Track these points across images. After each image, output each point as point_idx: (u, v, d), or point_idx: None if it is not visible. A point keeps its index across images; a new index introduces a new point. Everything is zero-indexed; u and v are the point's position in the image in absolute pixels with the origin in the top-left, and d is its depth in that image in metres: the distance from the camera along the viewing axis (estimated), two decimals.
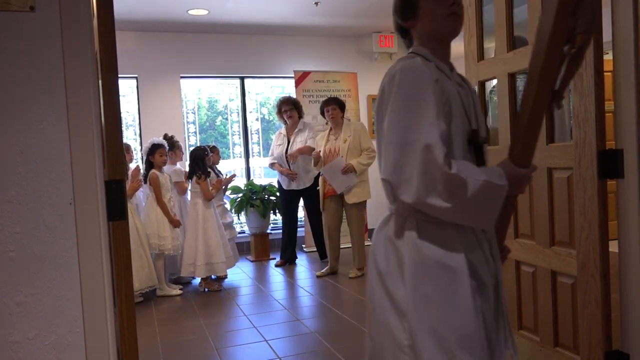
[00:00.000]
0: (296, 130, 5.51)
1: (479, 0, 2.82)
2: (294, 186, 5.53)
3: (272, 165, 5.70)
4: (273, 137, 5.91)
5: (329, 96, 5.41)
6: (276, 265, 5.70)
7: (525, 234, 2.58)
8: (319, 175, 5.32)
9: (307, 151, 5.30)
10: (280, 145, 5.61)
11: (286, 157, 5.47)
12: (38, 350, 1.51)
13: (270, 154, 5.74)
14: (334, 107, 5.01)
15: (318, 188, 5.17)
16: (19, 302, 1.49)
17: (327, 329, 3.57)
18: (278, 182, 5.76)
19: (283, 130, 5.65)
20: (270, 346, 3.27)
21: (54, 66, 1.50)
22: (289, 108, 5.48)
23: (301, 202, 5.74)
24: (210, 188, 4.83)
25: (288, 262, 5.78)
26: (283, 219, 5.87)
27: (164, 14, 5.74)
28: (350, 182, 4.84)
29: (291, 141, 5.50)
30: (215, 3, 5.46)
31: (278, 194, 5.93)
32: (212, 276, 4.97)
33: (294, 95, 6.34)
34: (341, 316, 3.80)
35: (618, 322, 2.15)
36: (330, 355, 3.09)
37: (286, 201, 5.72)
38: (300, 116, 5.57)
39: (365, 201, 5.05)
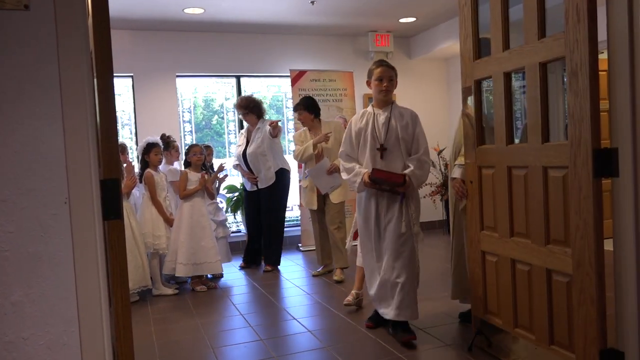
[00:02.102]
0: (255, 129, 5.40)
1: None
2: (256, 186, 5.45)
3: (235, 166, 5.65)
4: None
5: (322, 96, 5.31)
6: (240, 267, 5.59)
7: (521, 232, 2.59)
8: (281, 173, 5.29)
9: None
10: (240, 146, 5.51)
11: (244, 158, 5.40)
12: (33, 350, 1.50)
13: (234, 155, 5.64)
14: (300, 111, 4.97)
15: (295, 184, 5.03)
16: (14, 302, 1.48)
17: (323, 328, 3.57)
18: (242, 183, 5.66)
19: (245, 130, 5.57)
20: (266, 345, 3.27)
21: (48, 65, 1.49)
22: (242, 112, 5.39)
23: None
24: (205, 184, 4.80)
25: (252, 264, 5.65)
26: (246, 221, 5.74)
27: (159, 13, 5.72)
28: (334, 182, 4.82)
29: (250, 140, 5.40)
30: (211, 2, 5.45)
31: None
32: (209, 275, 4.96)
33: (290, 94, 6.31)
34: (337, 315, 3.80)
35: (613, 320, 2.16)
36: (327, 354, 3.09)
37: (248, 203, 5.63)
38: (259, 116, 5.42)
39: (344, 202, 5.00)
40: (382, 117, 3.25)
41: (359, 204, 3.41)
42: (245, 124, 5.66)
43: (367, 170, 3.17)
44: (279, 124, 5.30)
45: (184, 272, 4.66)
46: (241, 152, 5.44)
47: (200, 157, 4.81)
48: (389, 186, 3.16)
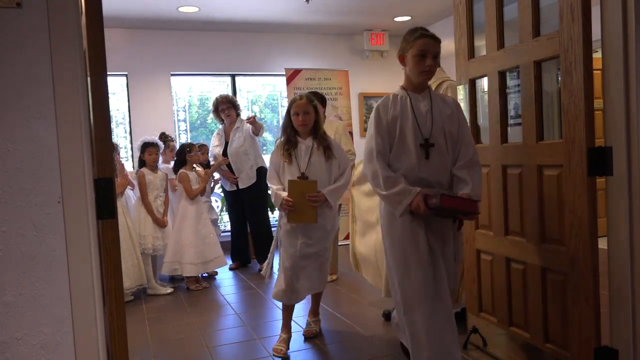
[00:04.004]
0: (234, 128, 5.35)
1: None
2: (235, 187, 5.40)
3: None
4: (212, 138, 5.70)
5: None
6: (230, 269, 5.54)
7: (516, 231, 2.59)
8: (260, 172, 5.22)
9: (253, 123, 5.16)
10: (217, 146, 5.43)
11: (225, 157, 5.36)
12: (26, 350, 1.50)
13: (209, 155, 5.56)
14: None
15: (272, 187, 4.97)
16: (7, 302, 1.47)
17: (321, 327, 3.57)
18: (221, 184, 5.62)
19: (220, 130, 5.50)
20: (262, 345, 3.27)
21: (41, 63, 1.48)
22: (226, 107, 5.32)
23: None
24: (196, 185, 4.81)
25: (242, 264, 5.62)
26: (230, 221, 5.70)
27: (154, 11, 5.70)
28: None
29: (230, 140, 5.35)
30: (206, 0, 5.43)
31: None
32: (204, 274, 4.95)
33: (285, 92, 6.29)
34: (332, 313, 3.80)
35: (607, 318, 2.17)
36: (322, 353, 3.09)
37: (230, 203, 5.58)
38: (238, 114, 5.41)
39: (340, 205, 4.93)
40: (422, 104, 2.38)
41: (390, 230, 2.41)
42: (219, 125, 5.59)
43: (419, 190, 2.24)
44: (256, 119, 5.27)
45: (194, 272, 4.70)
46: (220, 153, 5.38)
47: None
48: (452, 214, 2.31)
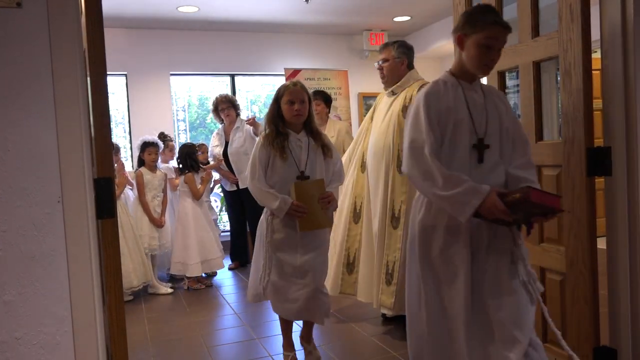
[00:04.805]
0: (234, 128, 5.35)
1: None
2: (235, 187, 5.41)
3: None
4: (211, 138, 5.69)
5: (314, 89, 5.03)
6: (230, 269, 5.53)
7: None
8: None
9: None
10: (217, 146, 5.43)
11: (225, 158, 5.35)
12: (26, 349, 1.50)
13: (209, 155, 5.55)
14: (318, 101, 4.63)
15: None
16: (7, 302, 1.47)
17: (317, 326, 3.57)
18: (221, 184, 5.62)
19: (220, 130, 5.49)
20: (261, 344, 3.27)
21: (41, 63, 1.48)
22: (226, 106, 5.31)
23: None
24: (200, 183, 4.83)
25: (241, 264, 5.60)
26: (230, 221, 5.69)
27: (153, 11, 5.70)
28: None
29: (230, 140, 5.34)
30: (206, 0, 5.43)
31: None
32: (203, 274, 4.96)
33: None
34: (332, 314, 3.80)
35: (606, 318, 2.17)
36: (322, 352, 3.09)
37: (229, 203, 5.58)
38: (237, 114, 5.40)
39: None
40: (476, 96, 1.96)
41: (424, 241, 1.95)
42: (218, 125, 5.58)
43: (491, 187, 1.80)
44: (256, 119, 5.28)
45: (199, 271, 4.74)
46: (221, 153, 5.38)
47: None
48: (530, 216, 1.82)
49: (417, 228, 1.97)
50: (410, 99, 3.10)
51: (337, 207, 2.77)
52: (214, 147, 5.47)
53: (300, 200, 2.57)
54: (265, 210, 2.73)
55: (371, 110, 3.55)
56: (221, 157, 5.38)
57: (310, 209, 2.58)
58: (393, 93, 3.34)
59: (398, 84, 3.30)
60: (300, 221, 2.58)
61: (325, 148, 2.72)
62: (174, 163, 5.22)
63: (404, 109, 3.12)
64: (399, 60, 3.29)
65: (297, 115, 2.63)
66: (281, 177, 2.62)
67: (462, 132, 1.89)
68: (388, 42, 3.38)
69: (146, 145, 4.71)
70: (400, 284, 3.07)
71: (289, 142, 2.64)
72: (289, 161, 2.61)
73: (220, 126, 5.53)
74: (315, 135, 2.72)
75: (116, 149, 4.92)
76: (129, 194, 4.94)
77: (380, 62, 3.34)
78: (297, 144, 2.66)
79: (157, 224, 4.72)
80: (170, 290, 4.69)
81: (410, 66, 3.36)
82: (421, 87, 3.10)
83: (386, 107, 3.34)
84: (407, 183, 3.13)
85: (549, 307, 2.39)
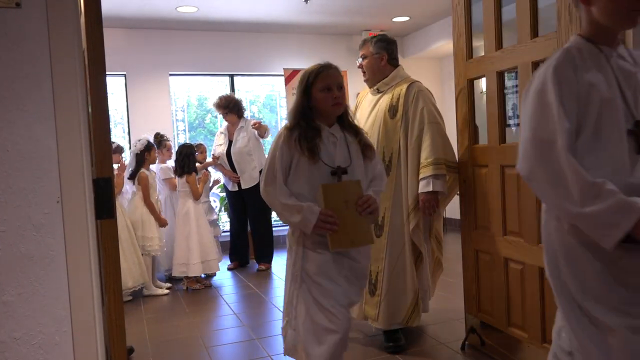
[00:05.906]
0: (238, 127, 5.34)
1: None
2: (237, 187, 5.40)
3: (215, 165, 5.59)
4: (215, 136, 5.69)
5: None
6: (229, 269, 5.53)
7: (514, 231, 2.60)
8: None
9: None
10: (221, 145, 5.42)
11: (228, 157, 5.35)
12: (25, 350, 1.50)
13: (212, 154, 5.55)
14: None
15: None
16: (5, 302, 1.47)
17: None
18: (224, 183, 5.62)
19: (224, 129, 5.50)
20: (261, 344, 3.27)
21: (40, 63, 1.48)
22: (223, 112, 5.31)
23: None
24: (198, 184, 4.84)
25: (241, 265, 5.62)
26: (231, 221, 5.68)
27: (153, 11, 5.70)
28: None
29: (233, 140, 5.34)
30: (205, 0, 5.43)
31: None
32: (202, 275, 4.96)
33: (283, 93, 6.28)
34: None
35: None
36: None
37: (231, 202, 5.57)
38: (240, 116, 5.36)
39: None
40: (627, 65, 1.50)
41: (577, 272, 1.48)
42: (224, 122, 5.57)
43: None
44: (261, 122, 5.31)
45: (199, 271, 4.75)
46: (224, 152, 5.38)
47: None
48: None
49: (566, 248, 1.46)
50: (398, 98, 2.97)
51: (377, 216, 2.23)
52: (218, 145, 5.48)
53: (331, 207, 1.99)
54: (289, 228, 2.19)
55: (353, 108, 3.27)
56: (218, 156, 5.39)
57: (345, 220, 2.00)
58: (378, 91, 3.14)
59: (384, 81, 3.09)
60: (332, 237, 1.99)
61: (365, 147, 2.17)
62: (171, 163, 5.22)
63: (391, 108, 2.99)
64: (377, 55, 3.08)
65: (336, 105, 2.09)
66: (308, 181, 2.05)
67: (612, 115, 1.41)
68: (366, 38, 3.21)
69: (152, 146, 4.74)
70: (384, 295, 2.97)
71: (322, 138, 2.08)
72: (318, 163, 2.04)
73: (224, 125, 5.53)
74: (352, 129, 2.18)
75: (120, 150, 4.95)
76: (127, 189, 4.91)
77: (360, 60, 3.21)
78: (331, 140, 2.11)
79: (164, 223, 4.73)
80: (166, 291, 4.68)
81: (393, 62, 3.12)
82: (410, 85, 3.01)
83: (370, 106, 3.14)
84: (392, 187, 2.92)
85: (548, 306, 2.40)
